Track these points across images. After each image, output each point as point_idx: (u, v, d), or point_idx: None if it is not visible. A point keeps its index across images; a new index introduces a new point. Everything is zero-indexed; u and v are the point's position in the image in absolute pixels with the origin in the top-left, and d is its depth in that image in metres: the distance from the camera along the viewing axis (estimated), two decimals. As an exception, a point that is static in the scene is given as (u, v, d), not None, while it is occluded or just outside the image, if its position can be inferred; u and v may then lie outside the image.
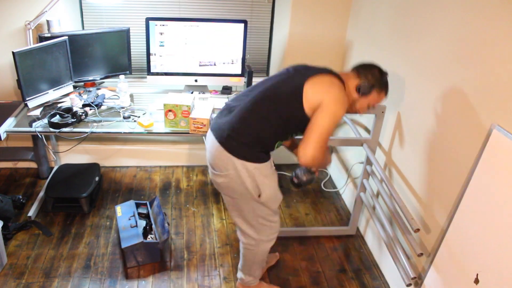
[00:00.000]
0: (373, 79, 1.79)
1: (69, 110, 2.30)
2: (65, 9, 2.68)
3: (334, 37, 2.92)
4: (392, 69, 2.28)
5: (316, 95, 1.69)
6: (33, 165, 3.12)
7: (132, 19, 2.86)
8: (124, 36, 2.68)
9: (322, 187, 3.14)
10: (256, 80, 3.03)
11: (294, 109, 1.72)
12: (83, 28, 2.85)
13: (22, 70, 2.25)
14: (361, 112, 1.89)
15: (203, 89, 2.82)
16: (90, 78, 2.69)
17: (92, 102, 2.48)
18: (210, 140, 1.82)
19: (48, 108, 2.45)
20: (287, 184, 3.12)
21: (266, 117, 1.74)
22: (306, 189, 3.11)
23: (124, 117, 2.39)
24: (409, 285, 1.95)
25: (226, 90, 2.84)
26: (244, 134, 1.73)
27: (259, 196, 1.80)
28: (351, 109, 1.87)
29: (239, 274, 2.15)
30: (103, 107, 2.51)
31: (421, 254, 1.81)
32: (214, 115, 2.45)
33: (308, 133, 1.69)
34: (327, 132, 1.68)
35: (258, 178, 1.77)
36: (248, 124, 1.74)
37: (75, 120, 2.26)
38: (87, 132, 2.22)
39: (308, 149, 1.67)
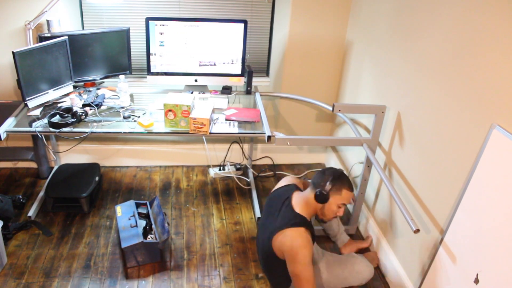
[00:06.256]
0: (327, 185, 1.93)
1: (69, 110, 2.30)
2: (65, 9, 2.68)
3: (334, 37, 2.92)
4: (392, 68, 2.28)
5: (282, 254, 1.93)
6: (33, 165, 3.12)
7: (132, 19, 2.85)
8: (124, 36, 2.68)
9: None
10: (256, 81, 3.05)
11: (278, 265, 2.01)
12: (83, 28, 2.85)
13: (22, 70, 2.25)
14: (331, 216, 2.01)
15: (203, 89, 2.82)
16: (90, 78, 2.69)
17: (92, 102, 2.48)
18: None
19: (48, 108, 2.45)
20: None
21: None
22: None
23: (124, 117, 2.39)
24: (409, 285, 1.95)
25: (226, 90, 2.85)
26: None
27: None
28: (322, 215, 2.02)
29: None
30: (103, 107, 2.51)
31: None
32: (214, 115, 2.45)
33: (296, 284, 1.91)
34: (307, 276, 1.86)
35: None
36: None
37: (75, 120, 2.26)
38: (87, 132, 2.22)
39: None
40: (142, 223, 2.44)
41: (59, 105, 2.42)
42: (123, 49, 2.71)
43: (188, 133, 2.27)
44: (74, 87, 2.68)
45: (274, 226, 1.97)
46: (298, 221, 1.92)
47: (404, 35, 2.16)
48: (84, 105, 2.45)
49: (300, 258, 1.84)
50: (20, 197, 2.70)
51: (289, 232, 1.89)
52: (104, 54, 2.67)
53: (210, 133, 2.27)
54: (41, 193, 2.82)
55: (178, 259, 2.41)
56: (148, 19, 2.55)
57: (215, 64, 2.72)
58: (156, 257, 2.35)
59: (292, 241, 1.86)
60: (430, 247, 1.94)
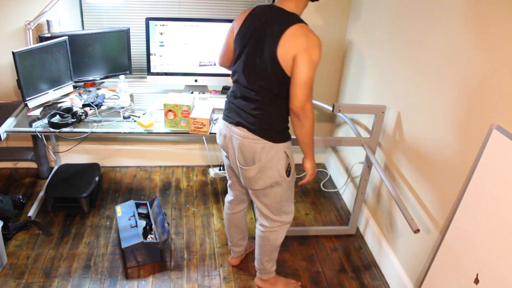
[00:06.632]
0: None
1: (69, 110, 2.30)
2: (65, 9, 2.68)
3: (334, 37, 2.92)
4: (392, 69, 2.28)
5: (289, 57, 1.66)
6: (33, 165, 3.12)
7: (132, 19, 2.85)
8: (124, 36, 2.68)
9: (322, 187, 3.15)
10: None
11: (282, 81, 1.71)
12: (83, 28, 2.85)
13: (22, 70, 2.25)
14: None
15: (203, 89, 2.82)
16: (90, 78, 2.69)
17: (92, 102, 2.48)
18: (235, 134, 1.83)
19: (48, 108, 2.45)
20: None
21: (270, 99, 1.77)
22: (306, 189, 3.11)
23: (124, 117, 2.39)
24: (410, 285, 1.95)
25: (226, 90, 2.84)
26: (266, 119, 1.78)
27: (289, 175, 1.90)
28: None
29: (258, 265, 2.17)
30: (103, 107, 2.51)
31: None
32: (214, 115, 2.45)
33: (294, 89, 1.67)
34: (310, 81, 1.67)
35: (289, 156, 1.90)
36: (263, 112, 1.77)
37: (75, 120, 2.26)
38: (87, 132, 2.22)
39: (298, 101, 1.67)
40: (142, 223, 2.44)
41: (59, 105, 2.42)
42: (123, 49, 2.71)
43: (188, 133, 2.27)
44: (74, 87, 2.68)
45: (272, 35, 1.64)
46: (298, 18, 1.66)
47: (404, 35, 2.16)
48: (84, 105, 2.45)
49: (315, 57, 1.66)
50: (20, 197, 2.70)
51: (296, 28, 1.61)
52: (104, 54, 2.67)
53: (210, 133, 2.27)
54: (41, 193, 2.82)
55: (178, 259, 2.41)
56: (148, 19, 2.55)
57: (215, 64, 2.72)
58: (156, 257, 2.35)
59: (307, 37, 1.63)
60: (430, 247, 1.94)
